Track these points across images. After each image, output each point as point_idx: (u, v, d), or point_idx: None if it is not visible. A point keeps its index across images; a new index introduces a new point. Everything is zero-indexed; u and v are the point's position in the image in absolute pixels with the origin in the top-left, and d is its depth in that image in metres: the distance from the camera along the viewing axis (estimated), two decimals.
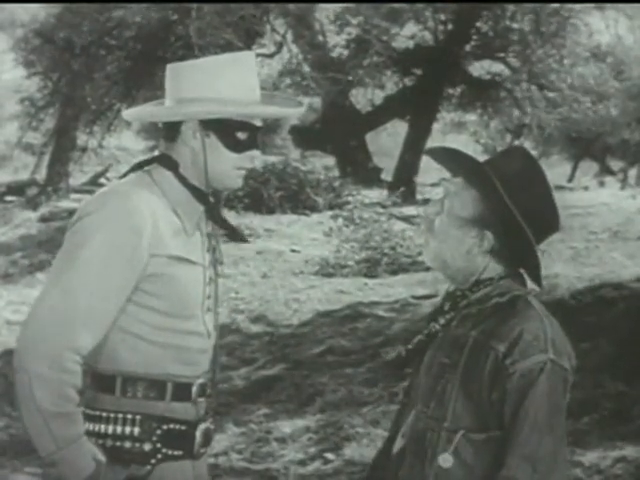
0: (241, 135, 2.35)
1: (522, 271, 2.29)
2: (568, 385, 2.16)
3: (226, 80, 2.33)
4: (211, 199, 2.40)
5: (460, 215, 2.23)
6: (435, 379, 2.22)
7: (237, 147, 2.35)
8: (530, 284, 2.29)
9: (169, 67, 2.40)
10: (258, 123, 2.39)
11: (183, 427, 2.34)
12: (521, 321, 2.15)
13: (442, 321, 2.26)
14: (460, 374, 2.17)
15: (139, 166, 2.39)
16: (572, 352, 2.19)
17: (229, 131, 2.34)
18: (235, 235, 2.49)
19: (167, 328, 2.31)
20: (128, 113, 2.52)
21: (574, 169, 27.86)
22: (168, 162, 2.36)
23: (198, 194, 2.36)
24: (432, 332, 2.27)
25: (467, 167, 2.24)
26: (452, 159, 2.29)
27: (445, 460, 2.15)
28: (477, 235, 2.21)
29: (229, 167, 2.37)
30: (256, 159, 2.41)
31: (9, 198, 18.42)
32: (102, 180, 18.84)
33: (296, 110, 2.49)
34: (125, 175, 2.38)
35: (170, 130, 2.37)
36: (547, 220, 2.24)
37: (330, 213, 13.92)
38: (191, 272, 2.33)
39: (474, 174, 2.22)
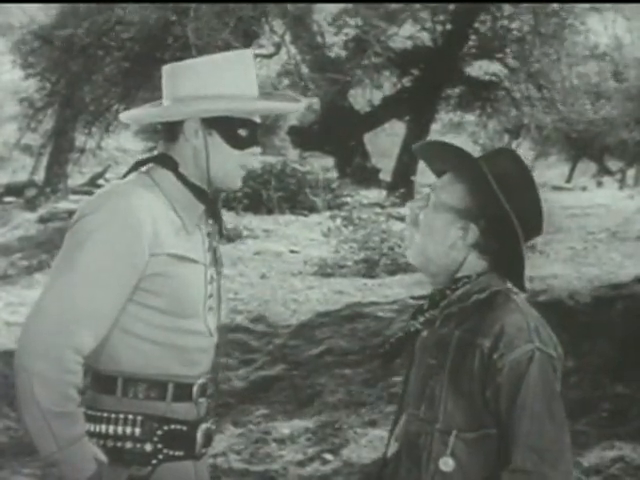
0: (243, 132, 2.36)
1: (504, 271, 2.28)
2: (558, 373, 2.16)
3: (225, 77, 2.34)
4: (211, 198, 2.40)
5: (445, 207, 2.22)
6: (423, 381, 2.22)
7: (240, 144, 2.36)
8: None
9: (165, 68, 2.40)
10: (257, 120, 2.40)
11: (184, 427, 2.34)
12: (502, 315, 2.15)
13: (421, 319, 2.26)
14: (448, 374, 2.17)
15: (140, 164, 2.40)
16: (557, 341, 2.19)
17: (232, 128, 2.35)
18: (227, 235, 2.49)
19: (168, 327, 2.31)
20: (125, 116, 2.52)
21: (572, 169, 27.88)
22: (168, 162, 2.36)
23: (198, 193, 2.37)
24: (411, 330, 2.27)
25: (458, 159, 2.22)
26: (442, 152, 2.28)
27: (446, 464, 2.14)
28: (462, 227, 2.20)
29: (232, 165, 2.37)
30: (256, 157, 2.42)
31: (8, 199, 18.41)
32: (101, 181, 18.81)
33: (296, 105, 2.49)
34: (126, 175, 2.39)
35: (170, 130, 2.37)
36: (531, 222, 2.22)
37: (329, 213, 13.92)
38: (192, 271, 2.33)
39: (465, 165, 2.20)
